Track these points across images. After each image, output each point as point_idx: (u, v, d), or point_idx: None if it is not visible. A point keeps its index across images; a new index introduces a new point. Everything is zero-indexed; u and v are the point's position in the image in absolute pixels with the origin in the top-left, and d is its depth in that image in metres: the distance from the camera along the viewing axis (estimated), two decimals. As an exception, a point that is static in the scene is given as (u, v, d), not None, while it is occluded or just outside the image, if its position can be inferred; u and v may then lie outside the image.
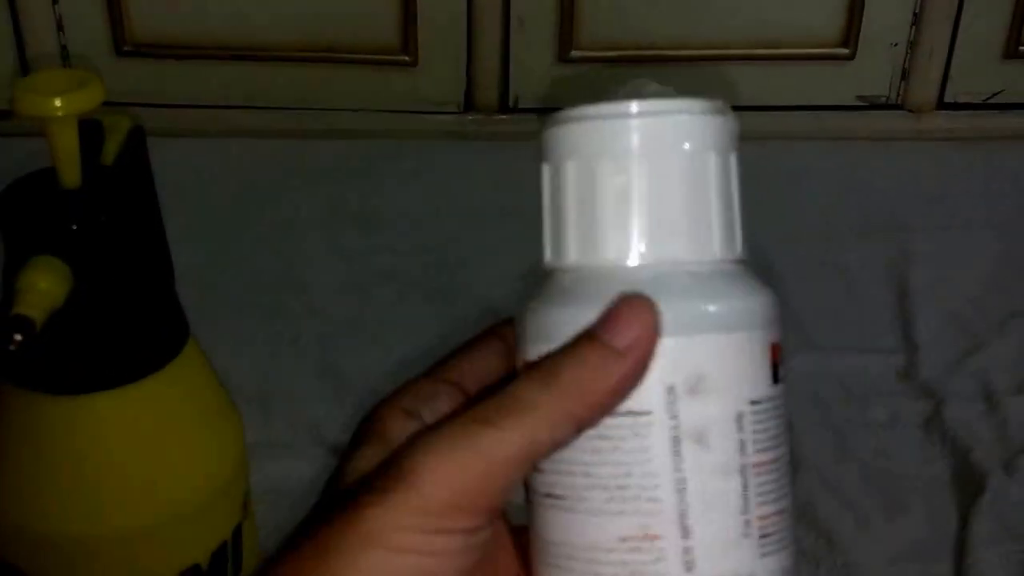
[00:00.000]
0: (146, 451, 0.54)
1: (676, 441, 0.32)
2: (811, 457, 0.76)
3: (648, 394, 0.32)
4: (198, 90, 1.01)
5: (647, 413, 0.32)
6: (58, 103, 0.48)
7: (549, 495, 0.33)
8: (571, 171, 0.33)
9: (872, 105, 1.04)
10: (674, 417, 0.32)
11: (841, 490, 0.74)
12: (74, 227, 0.50)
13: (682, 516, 0.32)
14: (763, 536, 0.33)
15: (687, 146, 0.33)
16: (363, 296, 0.88)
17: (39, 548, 0.54)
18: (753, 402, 0.33)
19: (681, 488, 0.32)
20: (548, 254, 0.34)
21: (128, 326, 0.52)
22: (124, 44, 1.00)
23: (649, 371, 0.31)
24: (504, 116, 1.03)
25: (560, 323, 0.32)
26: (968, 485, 0.74)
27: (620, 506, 0.32)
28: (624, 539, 0.32)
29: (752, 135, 1.14)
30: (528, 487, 0.33)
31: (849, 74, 1.03)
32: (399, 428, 0.32)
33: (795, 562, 0.34)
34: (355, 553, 0.29)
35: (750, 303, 0.34)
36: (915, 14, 1.01)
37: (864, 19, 1.00)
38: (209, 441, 0.56)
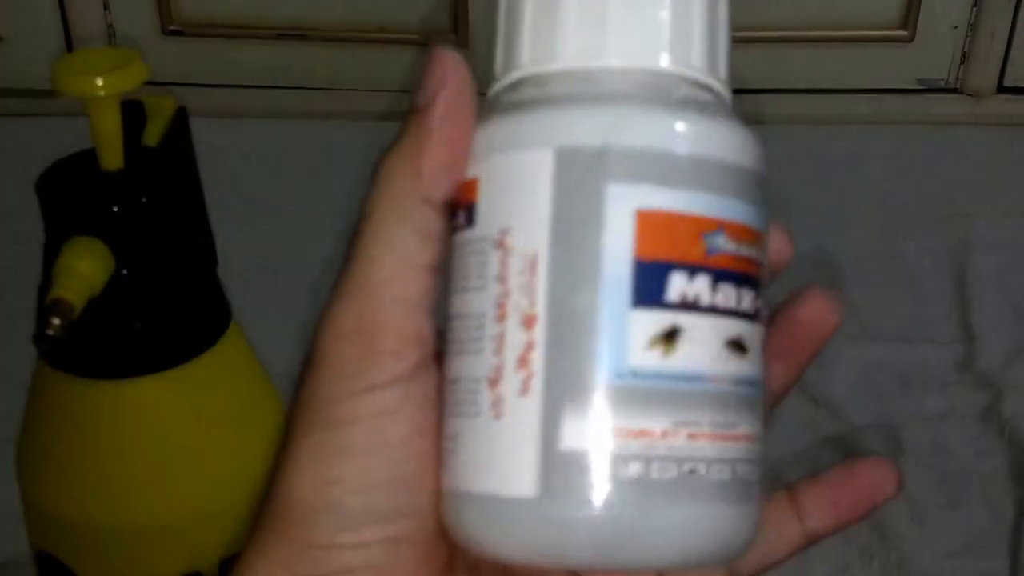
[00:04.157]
0: (188, 437, 0.53)
1: None
2: (867, 448, 0.75)
3: None
4: (246, 70, 1.00)
5: None
6: (100, 83, 0.47)
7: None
8: None
9: (931, 89, 1.02)
10: None
11: (896, 483, 0.73)
12: (115, 209, 0.49)
13: None
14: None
15: None
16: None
17: (79, 538, 0.53)
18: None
19: None
20: (498, 65, 0.30)
21: (169, 310, 0.52)
22: (170, 23, 0.99)
23: None
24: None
25: (513, 132, 0.28)
26: (1026, 479, 0.73)
27: None
28: None
29: (808, 119, 1.13)
30: None
31: (908, 57, 1.01)
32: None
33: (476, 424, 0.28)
34: None
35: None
36: (976, -4, 0.98)
37: (924, 1, 0.98)
38: (252, 426, 0.55)
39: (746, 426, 0.28)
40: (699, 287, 0.26)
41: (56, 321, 0.46)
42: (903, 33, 1.00)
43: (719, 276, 0.27)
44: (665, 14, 0.28)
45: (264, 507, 0.30)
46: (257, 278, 0.83)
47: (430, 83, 0.29)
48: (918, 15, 0.99)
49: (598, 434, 0.26)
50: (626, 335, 0.26)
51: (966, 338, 0.83)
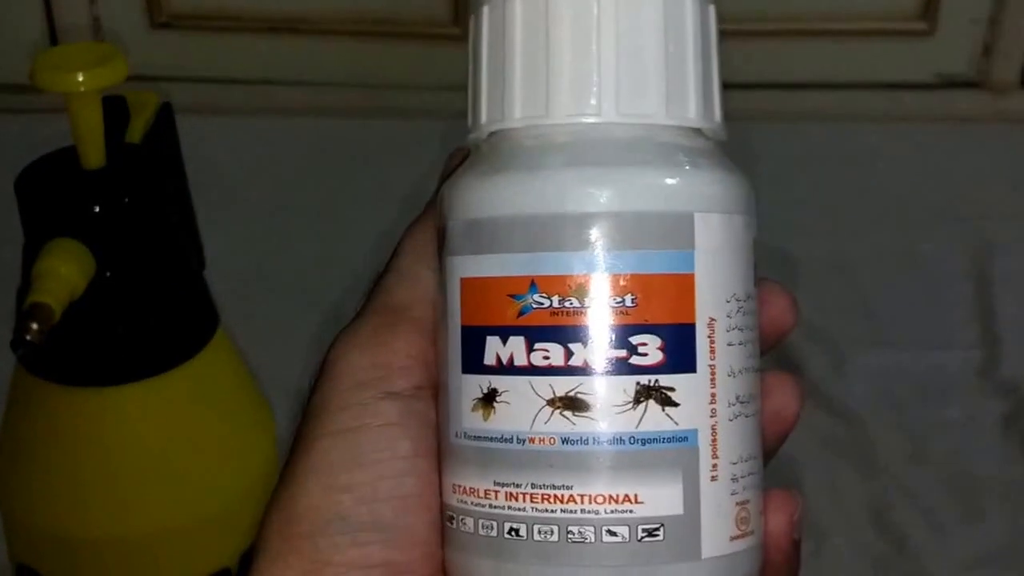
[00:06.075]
0: (172, 447, 0.53)
1: None
2: (884, 458, 0.73)
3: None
4: (237, 65, 0.98)
5: None
6: (80, 78, 0.47)
7: None
8: (518, 9, 0.28)
9: (951, 84, 1.01)
10: None
11: (915, 493, 0.72)
12: (96, 209, 0.48)
13: None
14: None
15: None
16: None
17: (60, 551, 0.53)
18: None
19: None
20: (483, 117, 0.29)
21: (153, 315, 0.51)
22: (159, 15, 0.97)
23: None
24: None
25: (504, 191, 0.28)
26: (1049, 489, 0.72)
27: None
28: None
29: (823, 115, 1.11)
30: None
31: (927, 51, 0.99)
32: None
33: None
34: None
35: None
36: (998, -12, 0.97)
37: (944, -7, 0.97)
38: (239, 436, 0.55)
39: (587, 487, 0.27)
40: (512, 348, 0.27)
41: (35, 326, 0.45)
42: (922, 26, 0.98)
43: (536, 335, 0.27)
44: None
45: (271, 514, 0.30)
46: (246, 281, 0.81)
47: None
48: (937, 7, 0.97)
49: (447, 489, 0.29)
50: (460, 398, 0.28)
51: (987, 343, 0.81)
